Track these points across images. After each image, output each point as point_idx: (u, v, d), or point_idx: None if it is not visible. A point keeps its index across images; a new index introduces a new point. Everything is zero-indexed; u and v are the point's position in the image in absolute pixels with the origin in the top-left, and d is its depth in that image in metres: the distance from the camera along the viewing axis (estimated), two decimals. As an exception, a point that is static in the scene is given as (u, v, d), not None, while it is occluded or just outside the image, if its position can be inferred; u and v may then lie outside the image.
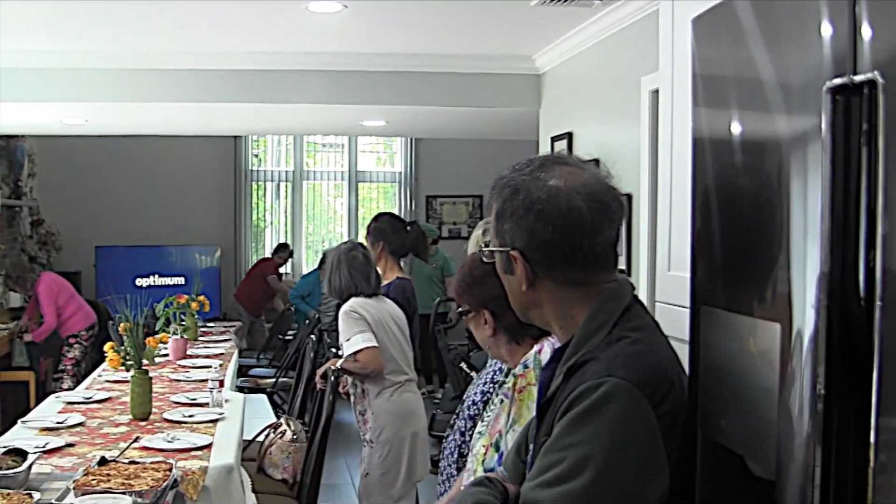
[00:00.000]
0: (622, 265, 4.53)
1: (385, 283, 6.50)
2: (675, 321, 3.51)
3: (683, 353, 2.45)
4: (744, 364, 1.98)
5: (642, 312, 2.19)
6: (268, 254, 14.92)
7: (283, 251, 13.79)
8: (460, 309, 3.28)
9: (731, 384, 2.04)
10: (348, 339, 5.47)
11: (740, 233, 2.09)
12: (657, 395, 1.98)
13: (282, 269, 14.62)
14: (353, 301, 5.62)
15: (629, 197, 5.12)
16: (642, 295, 3.96)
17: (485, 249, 2.30)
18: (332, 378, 5.50)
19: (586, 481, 1.92)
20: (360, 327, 5.47)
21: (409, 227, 6.54)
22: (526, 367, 3.15)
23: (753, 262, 2.00)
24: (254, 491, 5.25)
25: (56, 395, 6.30)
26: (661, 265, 3.80)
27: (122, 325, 5.46)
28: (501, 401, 3.32)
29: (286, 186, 14.92)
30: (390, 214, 6.99)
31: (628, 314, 2.14)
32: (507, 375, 3.26)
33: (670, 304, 3.58)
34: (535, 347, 3.20)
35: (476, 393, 3.76)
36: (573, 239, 2.11)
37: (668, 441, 1.97)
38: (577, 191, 2.11)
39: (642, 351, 2.05)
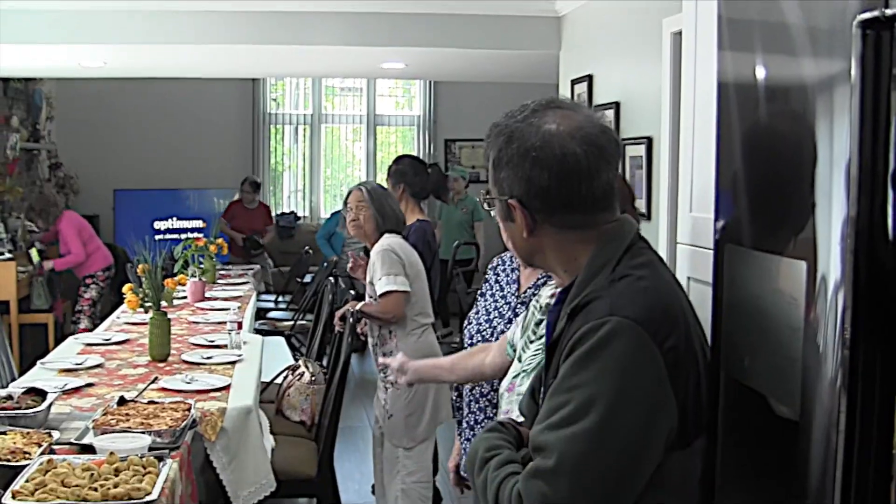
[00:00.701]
0: (642, 208, 4.51)
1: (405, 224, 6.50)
2: (697, 262, 3.50)
3: (705, 295, 2.42)
4: (768, 302, 1.96)
5: (646, 249, 2.17)
6: (286, 198, 14.92)
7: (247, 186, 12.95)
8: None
9: (755, 323, 2.02)
10: (380, 279, 5.35)
11: (766, 174, 2.06)
12: (661, 333, 1.95)
13: (300, 212, 14.62)
14: (391, 240, 5.48)
15: (649, 140, 5.09)
16: (663, 237, 3.95)
17: (484, 198, 2.28)
18: (351, 321, 5.47)
19: (592, 422, 1.90)
20: (396, 270, 5.35)
21: (429, 170, 6.52)
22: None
23: (780, 203, 1.98)
24: (272, 433, 5.26)
25: (75, 336, 6.31)
26: (683, 207, 3.78)
27: (140, 266, 5.45)
28: (520, 311, 3.32)
29: (304, 130, 14.88)
30: (411, 157, 6.96)
31: (631, 252, 2.12)
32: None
33: (692, 246, 3.56)
34: None
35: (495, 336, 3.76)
36: (570, 184, 2.08)
37: (675, 378, 1.95)
38: (571, 135, 2.08)
39: (645, 288, 2.03)
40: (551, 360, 2.09)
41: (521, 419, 2.40)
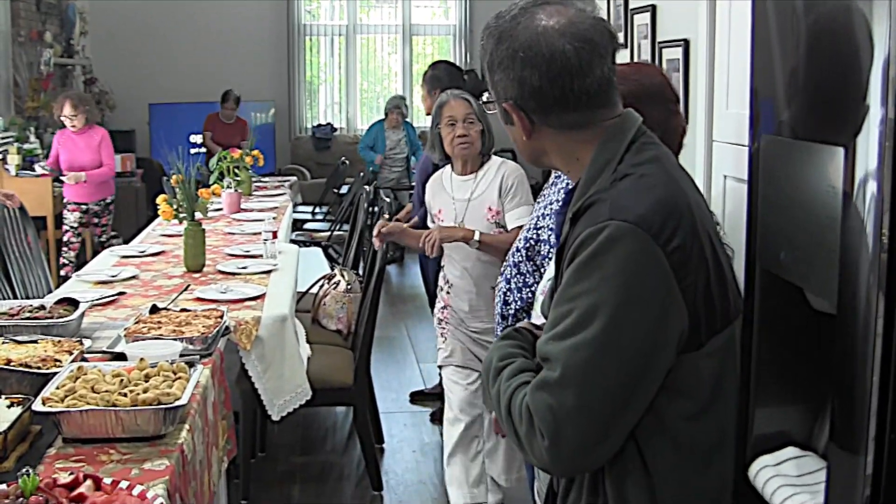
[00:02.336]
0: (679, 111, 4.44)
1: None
2: (733, 160, 3.45)
3: (741, 192, 2.37)
4: (806, 192, 1.90)
5: (650, 144, 2.07)
6: (322, 110, 14.85)
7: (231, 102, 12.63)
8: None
9: (791, 215, 1.96)
10: (519, 207, 4.71)
11: (805, 65, 2.00)
12: (664, 233, 1.88)
13: (336, 124, 14.56)
14: (512, 163, 4.82)
15: (686, 42, 4.99)
16: (700, 138, 3.89)
17: (484, 103, 2.22)
18: (432, 254, 4.75)
19: (596, 330, 1.85)
20: (530, 201, 4.72)
21: (465, 76, 6.40)
22: None
23: (818, 92, 1.92)
24: (308, 342, 5.26)
25: (110, 249, 6.31)
26: (720, 105, 3.72)
27: (174, 177, 5.42)
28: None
29: (340, 41, 14.76)
30: (447, 62, 6.87)
31: (634, 147, 2.04)
32: None
33: (729, 143, 3.51)
34: None
35: (519, 239, 3.71)
36: (562, 82, 2.00)
37: (683, 278, 1.88)
38: (560, 32, 2.00)
39: (647, 187, 1.95)
40: (560, 265, 2.04)
41: (542, 321, 2.36)
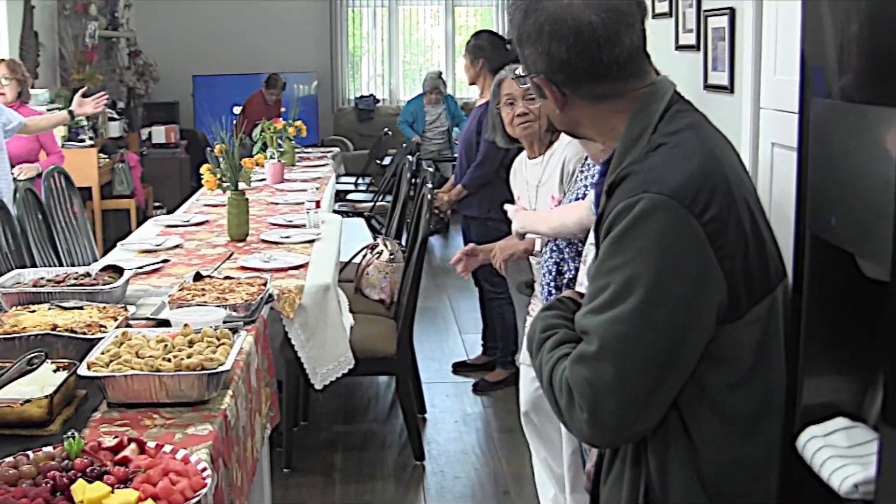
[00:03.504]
0: (725, 80, 4.39)
1: (482, 102, 6.40)
2: (780, 127, 3.40)
3: (789, 159, 2.34)
4: (858, 156, 1.86)
5: (685, 112, 2.05)
6: (365, 82, 14.84)
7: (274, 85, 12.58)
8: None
9: (842, 180, 1.93)
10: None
11: (861, 30, 1.96)
12: (699, 203, 1.86)
13: (378, 95, 14.55)
14: None
15: (732, 10, 4.93)
16: (747, 107, 3.85)
17: (516, 76, 2.21)
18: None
19: (633, 304, 1.84)
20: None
21: (508, 45, 6.36)
22: None
23: (875, 56, 1.88)
24: (351, 311, 5.26)
25: (155, 218, 6.34)
26: (767, 71, 3.67)
27: (217, 147, 5.43)
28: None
29: (382, 13, 14.73)
30: (490, 31, 6.86)
31: (668, 116, 2.02)
32: None
33: (776, 110, 3.47)
34: None
35: None
36: (590, 54, 1.98)
37: (720, 248, 1.86)
38: (586, 3, 1.97)
39: (680, 157, 1.92)
40: (598, 237, 2.02)
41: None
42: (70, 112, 7.09)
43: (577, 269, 3.67)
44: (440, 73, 12.21)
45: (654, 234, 1.84)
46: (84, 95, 7.45)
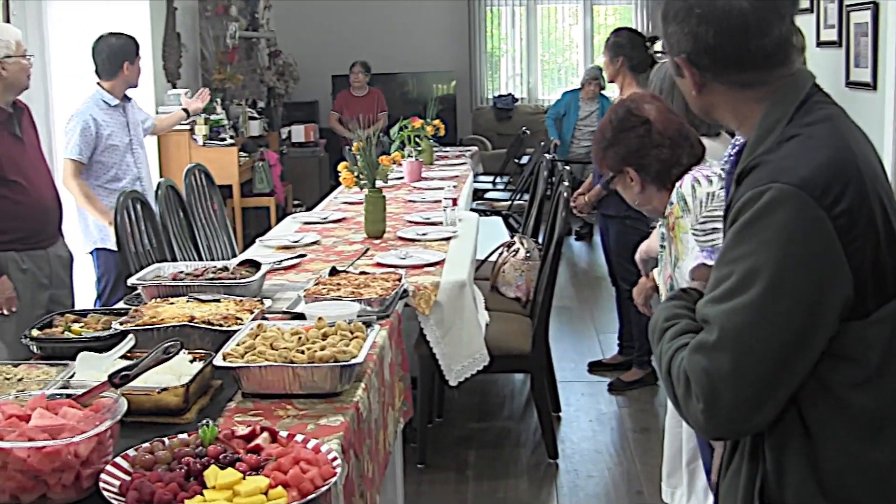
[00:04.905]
0: (867, 77, 4.29)
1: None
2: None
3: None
4: None
5: (823, 103, 1.98)
6: (503, 81, 14.83)
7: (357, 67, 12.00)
8: (605, 178, 3.20)
9: None
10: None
11: None
12: (829, 195, 1.79)
13: (517, 94, 14.51)
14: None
15: (875, 5, 4.82)
16: (889, 99, 3.75)
17: (656, 52, 2.15)
18: None
19: (754, 295, 1.79)
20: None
21: (648, 43, 6.30)
22: (671, 203, 3.09)
23: None
24: (487, 309, 5.25)
25: (293, 215, 6.42)
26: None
27: (355, 144, 5.48)
28: (663, 246, 3.23)
29: (521, 12, 14.71)
30: (629, 29, 6.81)
31: (805, 107, 1.95)
32: None
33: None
34: (678, 184, 3.08)
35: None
36: (738, 41, 1.94)
37: (849, 242, 1.79)
38: None
39: (813, 148, 1.86)
40: (726, 226, 1.97)
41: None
42: (185, 110, 7.25)
43: None
44: (601, 69, 12.02)
45: (780, 225, 1.79)
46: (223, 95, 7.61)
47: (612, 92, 12.51)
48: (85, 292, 5.95)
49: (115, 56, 5.99)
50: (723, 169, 2.17)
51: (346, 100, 11.95)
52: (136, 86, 6.18)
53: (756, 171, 1.87)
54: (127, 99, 6.17)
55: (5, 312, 4.78)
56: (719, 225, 2.77)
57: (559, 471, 5.15)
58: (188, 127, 8.79)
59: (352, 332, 2.98)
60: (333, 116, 11.87)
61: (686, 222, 3.02)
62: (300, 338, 2.90)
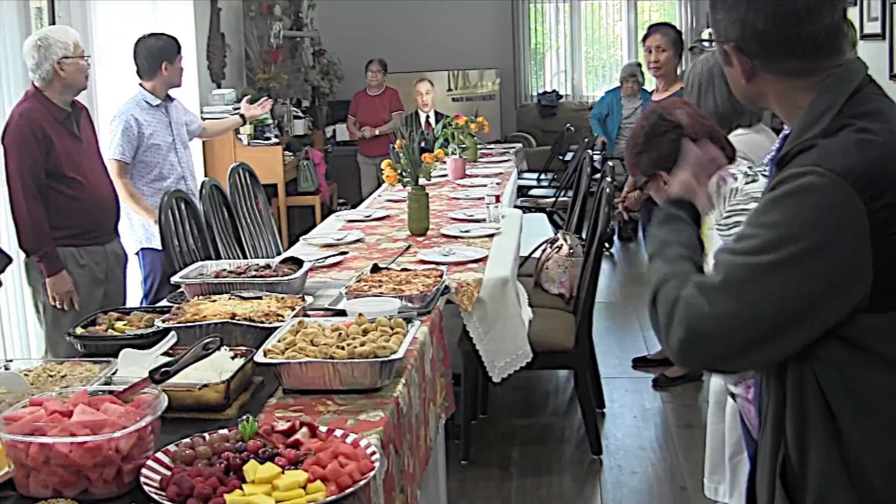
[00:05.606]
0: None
1: (664, 95, 6.34)
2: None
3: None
4: None
5: (875, 95, 1.96)
6: (548, 78, 14.80)
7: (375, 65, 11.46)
8: (639, 184, 3.23)
9: None
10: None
11: None
12: (872, 188, 1.77)
13: (561, 91, 14.47)
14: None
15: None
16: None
17: (701, 40, 2.14)
18: None
19: (770, 260, 1.79)
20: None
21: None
22: None
23: None
24: (530, 305, 5.25)
25: (337, 214, 6.45)
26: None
27: (398, 142, 5.50)
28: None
29: (564, 9, 14.68)
30: (667, 25, 6.78)
31: (856, 98, 1.93)
32: None
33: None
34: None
35: None
36: (789, 28, 1.92)
37: (882, 240, 1.77)
38: None
39: (864, 140, 1.84)
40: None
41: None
42: (242, 116, 7.28)
43: None
44: (639, 65, 11.92)
45: (816, 207, 1.78)
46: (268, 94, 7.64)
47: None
48: (132, 291, 6.01)
49: (153, 57, 6.05)
50: (771, 160, 2.15)
51: (361, 101, 11.46)
52: (178, 85, 6.25)
53: (802, 155, 1.86)
54: (170, 99, 6.22)
55: (65, 307, 4.89)
56: (742, 218, 2.76)
57: (603, 467, 5.14)
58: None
59: (392, 328, 2.99)
60: (351, 121, 11.30)
61: (710, 219, 3.02)
62: (340, 334, 2.92)
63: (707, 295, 1.83)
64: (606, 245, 10.15)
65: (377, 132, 10.95)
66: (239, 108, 7.56)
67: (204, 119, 7.52)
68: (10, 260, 4.17)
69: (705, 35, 2.88)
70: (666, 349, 1.92)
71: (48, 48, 4.92)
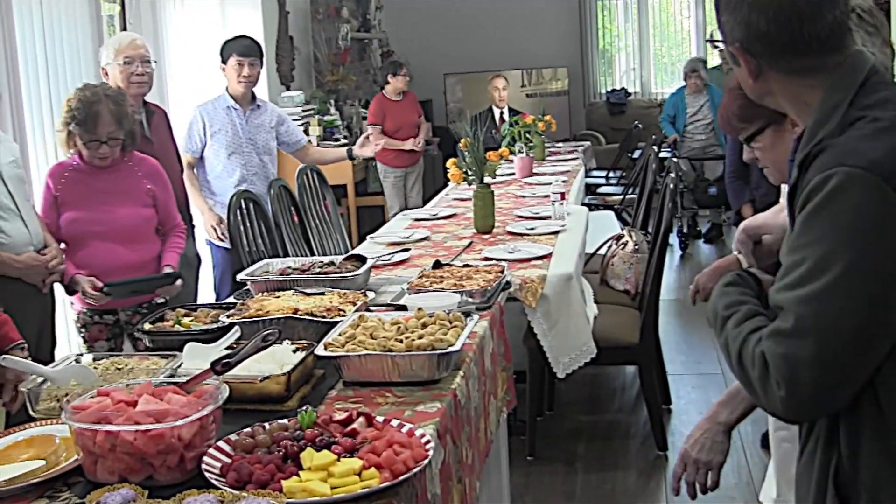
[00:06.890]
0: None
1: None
2: None
3: None
4: None
5: (883, 84, 1.97)
6: (617, 76, 14.77)
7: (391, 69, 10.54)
8: (748, 135, 3.09)
9: None
10: None
11: None
12: None
13: (630, 88, 14.42)
14: None
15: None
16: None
17: (710, 41, 2.16)
18: None
19: (828, 280, 1.78)
20: None
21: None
22: None
23: None
24: (596, 301, 5.27)
25: (404, 213, 6.51)
26: None
27: (462, 141, 5.54)
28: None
29: (633, 6, 14.63)
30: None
31: (865, 89, 1.94)
32: None
33: None
34: None
35: None
36: (791, 28, 1.94)
37: None
38: None
39: (879, 130, 1.85)
40: (792, 212, 1.98)
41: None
42: (349, 151, 7.05)
43: None
44: (703, 60, 11.80)
45: (850, 208, 1.79)
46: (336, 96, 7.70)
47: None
48: (203, 289, 6.10)
49: (220, 57, 6.18)
50: (790, 160, 2.15)
51: (388, 107, 10.23)
52: (243, 86, 6.23)
53: (822, 155, 1.87)
54: (255, 104, 6.28)
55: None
56: None
57: (668, 463, 5.14)
58: (302, 128, 8.92)
59: (450, 322, 3.03)
60: (375, 131, 9.55)
61: None
62: (399, 328, 2.97)
63: (787, 344, 1.82)
64: (684, 244, 10.12)
65: (417, 145, 10.18)
66: (348, 143, 7.48)
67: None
68: (178, 276, 4.50)
69: (712, 36, 2.85)
70: (770, 410, 1.92)
71: (99, 57, 5.19)
